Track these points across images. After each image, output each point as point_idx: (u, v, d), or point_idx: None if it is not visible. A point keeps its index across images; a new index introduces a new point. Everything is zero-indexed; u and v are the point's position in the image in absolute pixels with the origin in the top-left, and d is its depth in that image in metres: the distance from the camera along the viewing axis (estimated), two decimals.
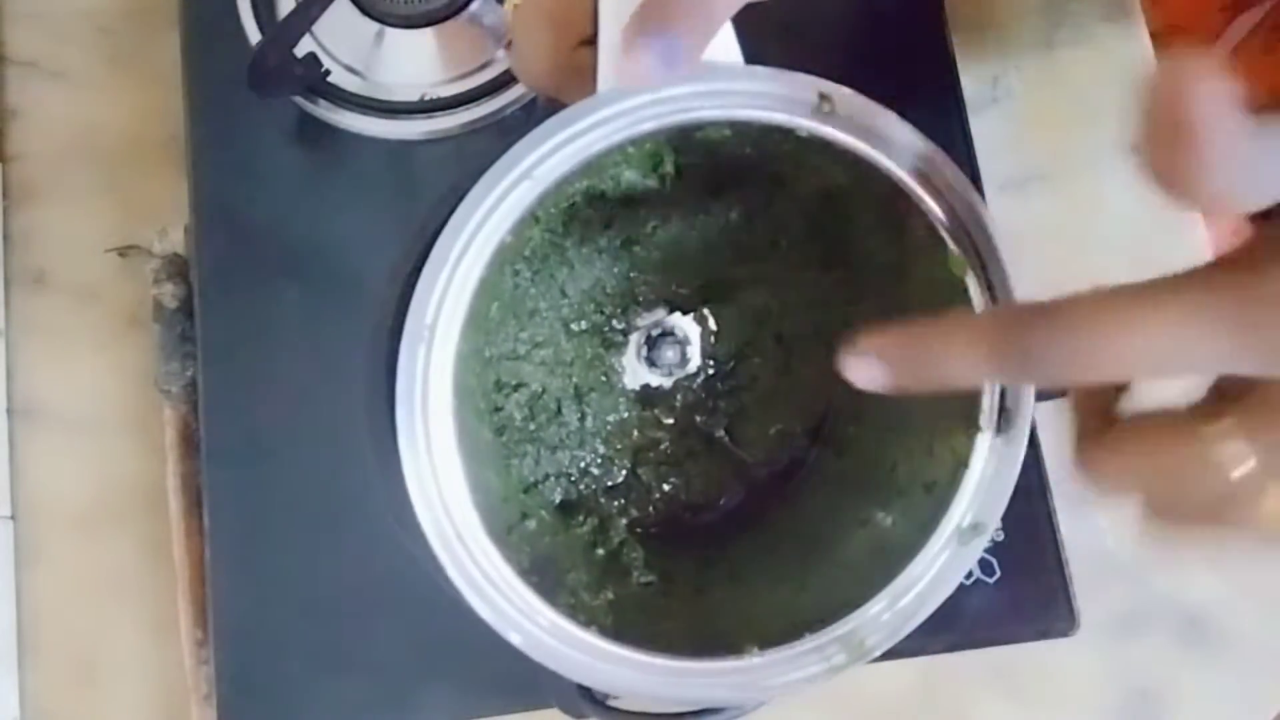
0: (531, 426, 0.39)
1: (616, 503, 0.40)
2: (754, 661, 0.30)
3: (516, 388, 0.39)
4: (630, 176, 0.35)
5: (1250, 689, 0.47)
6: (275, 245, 0.46)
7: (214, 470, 0.44)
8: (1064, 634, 0.44)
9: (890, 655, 0.44)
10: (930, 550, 0.31)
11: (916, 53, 0.48)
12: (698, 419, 0.41)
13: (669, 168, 0.35)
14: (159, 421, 0.46)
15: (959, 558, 0.31)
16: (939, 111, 0.47)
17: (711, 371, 0.41)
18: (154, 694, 0.46)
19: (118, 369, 0.49)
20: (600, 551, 0.37)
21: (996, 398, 0.31)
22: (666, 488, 0.40)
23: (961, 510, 0.31)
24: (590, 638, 0.30)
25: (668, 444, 0.41)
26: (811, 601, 0.32)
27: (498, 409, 0.38)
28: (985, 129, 0.48)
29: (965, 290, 0.30)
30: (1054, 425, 0.44)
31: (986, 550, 0.44)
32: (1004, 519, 0.44)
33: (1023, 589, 0.44)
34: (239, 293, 0.45)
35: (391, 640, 0.43)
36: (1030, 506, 0.44)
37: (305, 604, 0.43)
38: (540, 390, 0.39)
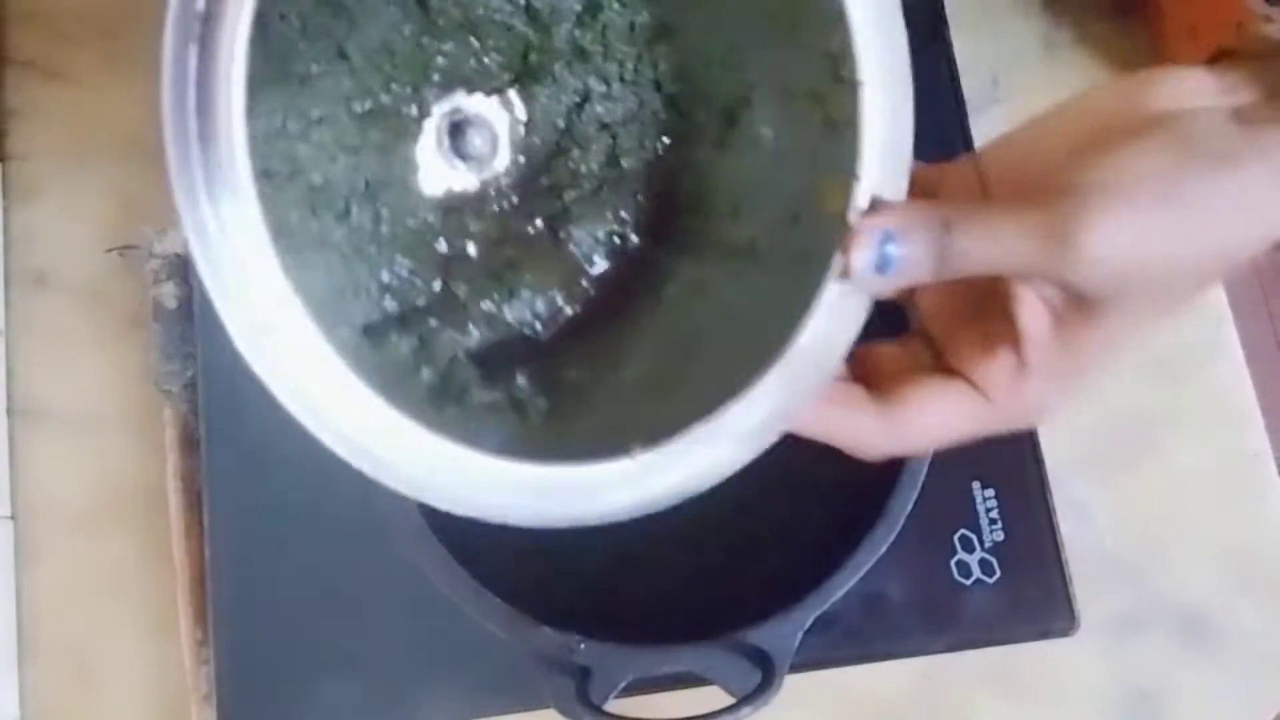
0: (314, 228, 0.31)
1: (431, 321, 0.33)
2: (642, 460, 0.27)
3: (291, 177, 0.31)
4: None
5: (1250, 689, 0.47)
6: None
7: (214, 470, 0.44)
8: (1064, 634, 0.44)
9: (890, 655, 0.44)
10: (815, 314, 0.27)
11: (916, 53, 0.48)
12: (513, 225, 0.35)
13: None
14: (159, 421, 0.46)
15: (848, 308, 0.27)
16: (939, 111, 0.47)
17: (525, 167, 0.34)
18: (154, 694, 0.46)
19: (118, 369, 0.48)
20: (425, 373, 0.32)
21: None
22: (487, 305, 0.34)
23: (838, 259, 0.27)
24: (452, 447, 0.26)
25: (481, 254, 0.34)
26: (690, 398, 0.28)
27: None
28: (985, 129, 0.47)
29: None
30: (1055, 425, 0.44)
31: (986, 550, 0.44)
32: (1004, 519, 0.44)
33: (1023, 589, 0.44)
34: None
35: (391, 640, 0.43)
36: (1030, 506, 0.44)
37: (305, 604, 0.43)
38: (321, 183, 0.31)
